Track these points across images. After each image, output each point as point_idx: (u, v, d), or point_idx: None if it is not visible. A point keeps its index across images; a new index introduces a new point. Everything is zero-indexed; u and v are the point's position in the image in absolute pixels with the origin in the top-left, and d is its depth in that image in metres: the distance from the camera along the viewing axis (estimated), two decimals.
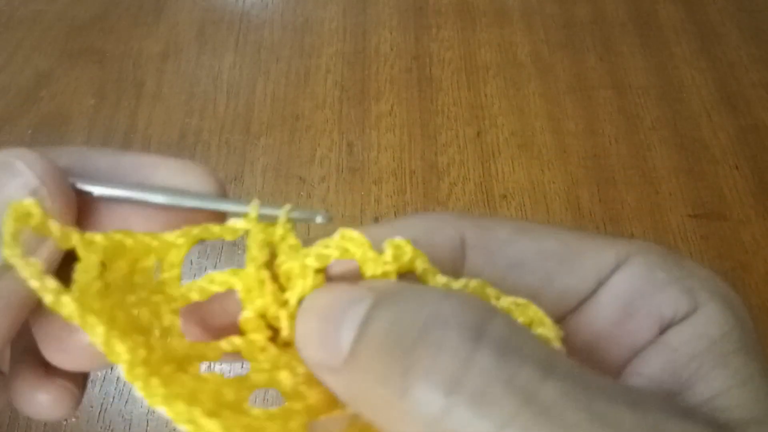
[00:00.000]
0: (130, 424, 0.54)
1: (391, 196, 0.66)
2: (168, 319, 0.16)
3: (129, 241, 0.16)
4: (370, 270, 0.15)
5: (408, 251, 0.15)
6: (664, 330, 0.14)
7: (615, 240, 0.15)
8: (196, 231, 0.17)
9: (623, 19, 0.81)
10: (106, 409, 0.55)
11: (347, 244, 0.15)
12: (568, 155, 0.69)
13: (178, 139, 0.70)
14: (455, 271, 0.15)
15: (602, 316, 0.15)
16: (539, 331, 0.14)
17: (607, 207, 0.66)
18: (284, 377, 0.15)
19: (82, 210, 0.16)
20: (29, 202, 0.15)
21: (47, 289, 0.14)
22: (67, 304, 0.14)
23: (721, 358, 0.13)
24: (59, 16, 0.81)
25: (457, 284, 0.15)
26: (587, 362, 0.14)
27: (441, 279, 0.15)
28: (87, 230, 0.16)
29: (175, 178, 0.17)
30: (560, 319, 0.15)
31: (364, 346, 0.12)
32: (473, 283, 0.15)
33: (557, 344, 0.14)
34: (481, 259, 0.14)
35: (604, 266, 0.14)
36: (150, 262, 0.17)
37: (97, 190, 0.16)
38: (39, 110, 0.72)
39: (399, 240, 0.15)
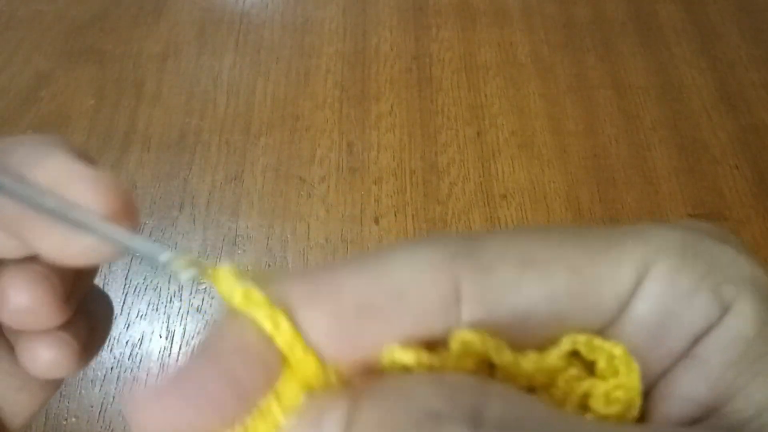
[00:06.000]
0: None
1: (391, 196, 0.66)
2: None
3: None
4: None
5: (478, 345, 0.12)
6: (696, 342, 0.12)
7: (634, 242, 0.12)
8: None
9: (623, 19, 0.81)
10: (106, 409, 0.55)
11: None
12: (568, 155, 0.69)
13: (178, 139, 0.70)
14: (448, 330, 0.13)
15: (628, 346, 0.13)
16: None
17: (607, 207, 0.66)
18: None
19: None
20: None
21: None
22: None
23: (760, 361, 0.12)
24: (59, 16, 0.81)
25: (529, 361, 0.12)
26: None
27: (508, 356, 0.12)
28: None
29: (26, 156, 0.15)
30: None
31: None
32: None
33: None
34: (480, 313, 0.12)
35: (623, 290, 0.12)
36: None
37: None
38: (39, 110, 0.72)
39: (468, 334, 0.12)
